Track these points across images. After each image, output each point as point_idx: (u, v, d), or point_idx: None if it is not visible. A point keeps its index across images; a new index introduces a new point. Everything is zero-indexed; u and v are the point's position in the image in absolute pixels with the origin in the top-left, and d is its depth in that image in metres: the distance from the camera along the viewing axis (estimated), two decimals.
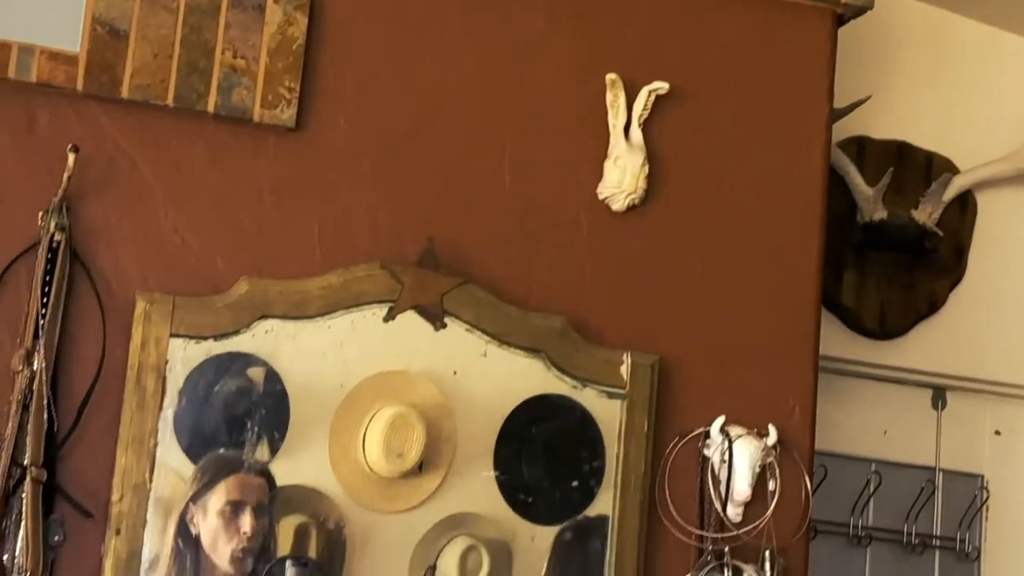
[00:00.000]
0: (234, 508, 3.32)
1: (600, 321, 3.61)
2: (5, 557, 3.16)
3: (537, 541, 3.52)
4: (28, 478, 3.17)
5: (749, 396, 3.67)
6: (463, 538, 3.46)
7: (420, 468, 3.43)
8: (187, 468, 3.31)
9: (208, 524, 3.29)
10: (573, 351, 3.57)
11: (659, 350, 3.63)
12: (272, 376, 3.38)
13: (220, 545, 3.30)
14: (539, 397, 3.55)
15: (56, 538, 3.22)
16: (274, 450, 3.37)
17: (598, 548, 3.53)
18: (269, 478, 3.35)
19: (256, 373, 3.38)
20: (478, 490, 3.49)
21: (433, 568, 3.42)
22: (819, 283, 3.78)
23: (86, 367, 3.29)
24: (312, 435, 3.40)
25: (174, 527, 3.27)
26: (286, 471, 3.38)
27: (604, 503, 3.55)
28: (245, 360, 3.37)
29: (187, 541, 3.28)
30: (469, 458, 3.49)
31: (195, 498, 3.30)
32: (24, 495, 3.17)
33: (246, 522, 3.31)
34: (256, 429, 3.36)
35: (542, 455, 3.54)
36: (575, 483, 3.55)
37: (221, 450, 3.33)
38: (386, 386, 3.45)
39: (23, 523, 3.16)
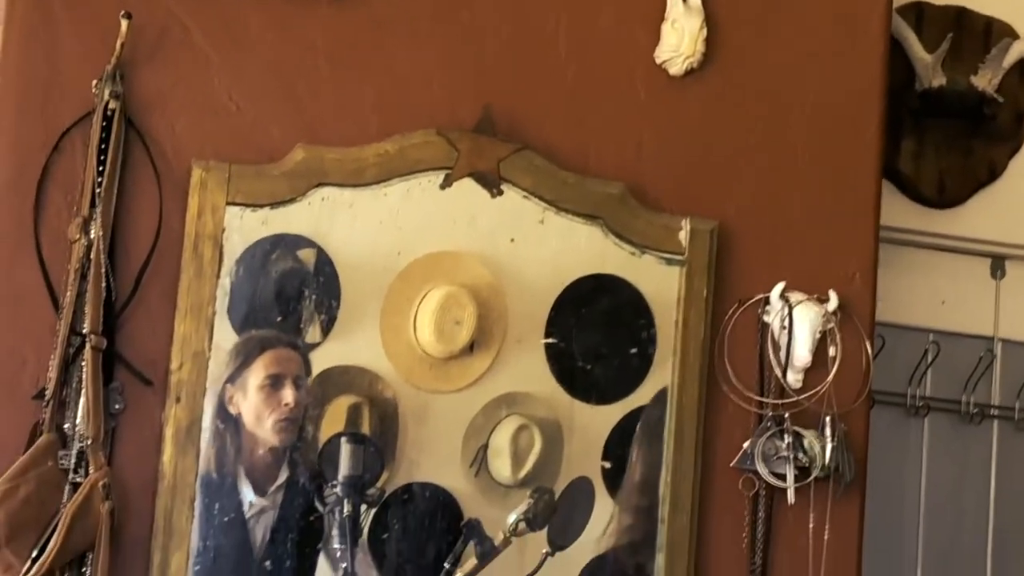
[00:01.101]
0: (274, 381, 3.32)
1: (658, 187, 3.58)
2: (66, 425, 3.17)
3: (591, 418, 3.51)
4: (88, 346, 3.17)
5: (809, 262, 3.64)
6: (515, 417, 3.45)
7: (471, 348, 3.43)
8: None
9: (249, 401, 3.30)
10: (631, 218, 3.54)
11: (718, 216, 3.60)
12: (323, 256, 3.37)
13: (263, 418, 3.30)
14: (593, 276, 3.53)
15: (116, 406, 3.23)
16: (326, 331, 3.36)
17: (657, 416, 3.52)
18: (304, 353, 3.35)
19: (307, 255, 3.36)
20: (530, 369, 3.48)
21: (485, 447, 3.43)
22: (881, 147, 3.74)
23: (143, 236, 3.28)
24: (364, 316, 3.39)
25: (212, 409, 3.27)
26: (338, 352, 3.37)
27: (663, 372, 3.54)
28: (295, 241, 3.36)
29: (227, 421, 3.28)
30: (521, 337, 3.48)
31: (232, 379, 3.29)
32: (84, 363, 3.18)
33: (287, 393, 3.31)
34: (308, 310, 3.35)
35: (599, 324, 3.52)
36: (633, 350, 3.53)
37: (253, 331, 3.32)
38: (437, 267, 3.44)
39: (83, 391, 3.17)
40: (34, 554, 3.08)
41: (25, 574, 3.08)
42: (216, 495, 3.26)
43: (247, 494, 3.29)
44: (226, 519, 3.27)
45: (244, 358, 3.30)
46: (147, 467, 3.24)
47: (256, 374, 3.30)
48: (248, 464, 3.30)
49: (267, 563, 3.29)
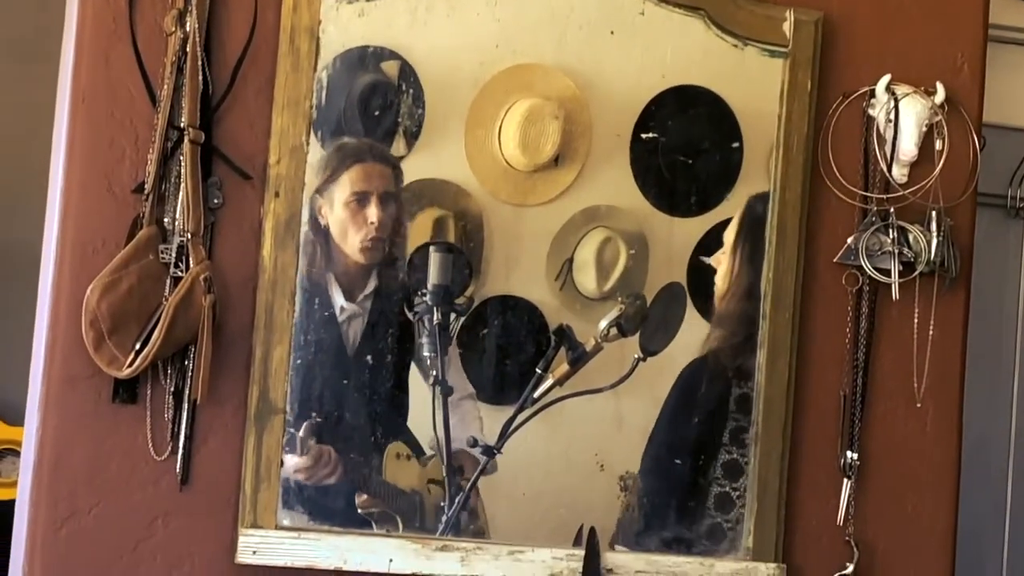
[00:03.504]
0: (359, 199, 3.30)
1: None
2: (166, 219, 3.16)
3: (679, 227, 3.48)
4: (185, 140, 3.16)
5: (916, 54, 3.57)
6: (600, 230, 3.43)
7: (556, 161, 3.39)
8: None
9: (336, 215, 3.28)
10: (734, 8, 3.47)
11: (823, 6, 3.52)
12: (408, 67, 3.33)
13: (349, 236, 3.29)
14: (679, 88, 3.46)
15: (215, 201, 3.21)
16: (410, 144, 3.33)
17: (758, 214, 3.47)
18: (395, 166, 3.33)
19: (391, 66, 3.32)
20: (615, 182, 3.45)
21: (571, 260, 3.41)
22: None
23: (238, 29, 3.25)
24: (448, 128, 3.36)
25: (307, 215, 3.26)
26: (423, 165, 3.35)
27: (764, 168, 3.49)
28: (380, 52, 3.32)
29: (316, 232, 3.27)
30: (620, 131, 3.44)
31: (321, 190, 3.27)
32: (182, 157, 3.16)
33: (372, 212, 3.29)
34: (393, 122, 3.32)
35: (699, 119, 3.48)
36: (735, 144, 3.48)
37: (344, 138, 3.29)
38: (521, 79, 3.39)
39: (182, 185, 3.16)
40: (137, 346, 3.10)
41: (128, 366, 3.09)
42: (312, 295, 3.26)
43: (338, 299, 3.29)
44: (321, 319, 3.27)
45: (333, 169, 3.28)
46: (247, 262, 3.24)
47: (342, 189, 3.28)
48: (339, 272, 3.29)
49: (359, 365, 3.29)
